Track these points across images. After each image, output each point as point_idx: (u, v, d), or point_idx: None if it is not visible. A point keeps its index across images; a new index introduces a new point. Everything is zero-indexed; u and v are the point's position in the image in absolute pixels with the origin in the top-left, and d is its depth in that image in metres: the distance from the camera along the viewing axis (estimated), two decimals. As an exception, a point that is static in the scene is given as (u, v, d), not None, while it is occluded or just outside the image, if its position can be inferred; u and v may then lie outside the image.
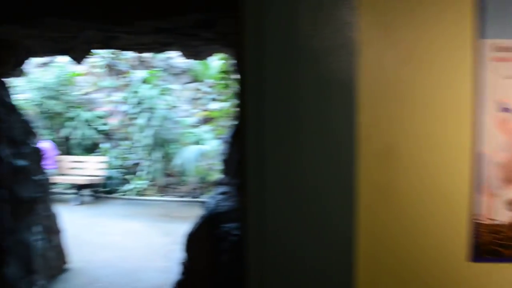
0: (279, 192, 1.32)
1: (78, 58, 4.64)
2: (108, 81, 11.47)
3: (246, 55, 1.38)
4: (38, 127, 12.14)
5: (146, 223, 7.51)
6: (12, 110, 4.33)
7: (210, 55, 4.70)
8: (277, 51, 1.32)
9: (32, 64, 13.00)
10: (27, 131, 4.54)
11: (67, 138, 11.38)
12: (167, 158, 9.63)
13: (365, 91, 1.34)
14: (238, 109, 3.64)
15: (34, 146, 4.65)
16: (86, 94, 12.32)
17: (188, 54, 4.52)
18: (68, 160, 9.88)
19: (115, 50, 9.95)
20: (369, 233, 1.31)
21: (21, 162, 4.19)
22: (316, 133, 1.29)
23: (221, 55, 5.80)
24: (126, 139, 10.91)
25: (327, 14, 1.31)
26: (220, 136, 10.11)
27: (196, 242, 3.17)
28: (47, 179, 4.91)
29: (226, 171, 3.78)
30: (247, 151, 1.35)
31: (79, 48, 4.33)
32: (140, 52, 4.50)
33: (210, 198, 3.62)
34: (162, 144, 9.33)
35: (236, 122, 3.66)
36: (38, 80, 11.06)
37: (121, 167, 10.16)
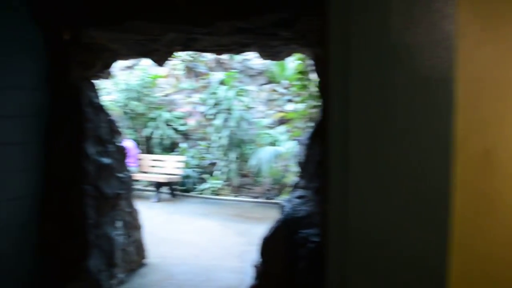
0: (364, 198, 1.22)
1: (160, 60, 4.78)
2: (187, 83, 11.83)
3: (331, 53, 1.28)
4: (121, 127, 12.84)
5: (221, 222, 7.60)
6: (99, 110, 4.54)
7: (288, 55, 4.62)
8: (365, 48, 1.22)
9: (117, 67, 13.78)
10: (113, 130, 4.75)
11: (148, 138, 11.90)
12: (243, 158, 9.71)
13: (461, 90, 1.22)
14: (318, 110, 3.50)
15: (119, 145, 4.85)
16: (166, 95, 12.81)
17: (266, 55, 4.48)
18: (148, 158, 10.31)
19: (195, 52, 10.26)
20: (464, 244, 1.17)
21: (106, 160, 4.39)
22: (407, 135, 1.18)
23: (299, 55, 5.71)
24: (203, 139, 11.18)
25: (423, 7, 1.20)
26: (296, 138, 10.04)
27: (272, 246, 3.10)
28: (130, 177, 5.10)
29: (303, 174, 3.67)
30: (330, 154, 1.25)
31: (161, 51, 4.45)
32: (219, 53, 4.53)
33: (287, 201, 3.53)
34: (238, 145, 9.43)
35: (314, 124, 3.55)
36: (122, 82, 11.66)
37: (198, 166, 10.42)
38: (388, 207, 1.24)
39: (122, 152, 4.85)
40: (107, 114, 4.73)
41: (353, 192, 1.26)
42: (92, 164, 4.15)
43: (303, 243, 2.66)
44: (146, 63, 12.51)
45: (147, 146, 12.07)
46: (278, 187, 9.92)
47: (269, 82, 11.80)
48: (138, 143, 12.00)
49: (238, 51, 4.54)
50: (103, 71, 4.71)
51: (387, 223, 1.25)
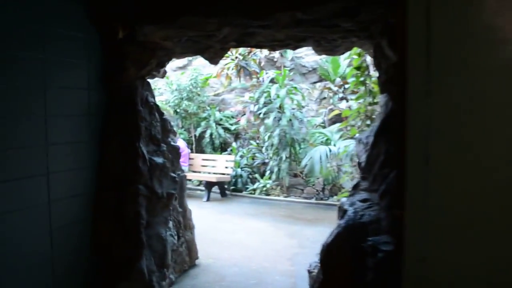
0: (448, 201, 1.06)
1: (214, 58, 4.69)
2: (238, 82, 11.78)
3: (409, 44, 1.12)
4: (174, 126, 13.03)
5: (272, 223, 7.45)
6: (153, 109, 4.51)
7: (346, 50, 4.39)
8: (449, 35, 1.05)
9: (170, 67, 14.00)
10: (166, 130, 4.71)
11: (199, 137, 11.97)
12: (294, 158, 9.53)
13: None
14: (382, 106, 3.22)
15: (172, 144, 4.81)
16: (217, 95, 12.84)
17: (322, 50, 4.27)
18: (199, 158, 10.35)
19: (246, 50, 10.17)
20: None
21: (159, 160, 4.34)
22: (497, 128, 1.02)
23: (355, 50, 5.45)
24: (254, 138, 11.08)
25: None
26: (353, 137, 9.72)
27: (334, 254, 2.88)
28: (183, 177, 5.06)
29: (365, 175, 3.43)
30: (409, 152, 1.08)
31: (215, 48, 4.35)
32: (273, 49, 4.38)
33: (348, 204, 3.30)
34: (290, 144, 9.25)
35: (379, 121, 3.30)
36: (174, 82, 11.78)
37: (248, 166, 10.34)
38: (476, 210, 1.07)
39: (175, 152, 4.81)
40: (161, 113, 4.70)
41: (435, 195, 1.09)
42: (146, 164, 4.11)
43: (371, 252, 2.43)
44: (198, 63, 12.63)
45: (198, 146, 12.14)
46: (330, 188, 9.66)
47: (321, 80, 11.55)
48: (189, 142, 12.10)
49: (294, 46, 4.35)
50: (158, 70, 4.67)
51: (475, 229, 1.07)
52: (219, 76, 11.22)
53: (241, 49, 9.88)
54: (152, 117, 4.42)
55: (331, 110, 10.74)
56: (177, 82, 11.70)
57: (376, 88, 5.25)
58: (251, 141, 10.97)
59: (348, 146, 8.62)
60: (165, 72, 4.99)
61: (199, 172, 10.28)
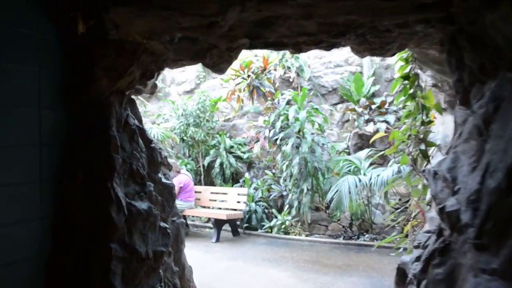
0: None
1: (218, 63, 3.50)
2: (251, 106, 10.63)
3: None
4: (179, 156, 11.88)
5: (293, 271, 6.11)
6: (137, 135, 3.32)
7: (399, 48, 3.17)
8: None
9: (177, 91, 12.96)
10: (155, 163, 3.50)
11: (208, 167, 10.76)
12: (317, 190, 8.22)
13: None
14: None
15: (164, 182, 3.59)
16: (228, 120, 11.69)
17: (367, 49, 3.06)
18: (208, 191, 9.08)
19: (260, 68, 9.01)
20: None
21: (144, 205, 3.11)
22: None
23: (401, 55, 4.24)
24: (270, 168, 9.83)
25: None
26: (378, 163, 8.43)
27: None
28: (180, 224, 3.82)
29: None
30: None
31: (219, 48, 3.17)
32: (299, 50, 3.15)
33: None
34: (312, 174, 7.96)
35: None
36: (181, 107, 10.67)
37: (264, 200, 9.05)
38: None
39: (168, 192, 3.58)
40: (148, 141, 3.50)
41: None
42: (122, 211, 2.88)
43: None
44: (207, 85, 11.54)
45: (207, 177, 10.91)
46: (359, 224, 8.30)
47: (343, 101, 10.36)
48: (197, 173, 10.89)
49: (328, 45, 3.13)
50: (143, 83, 3.49)
51: None
52: (229, 99, 10.07)
53: (254, 67, 8.76)
54: (133, 145, 3.22)
55: (357, 134, 9.51)
56: (183, 106, 10.58)
57: (430, 103, 4.01)
58: (266, 171, 9.71)
59: (380, 176, 7.35)
60: (155, 86, 3.82)
61: (208, 207, 9.02)
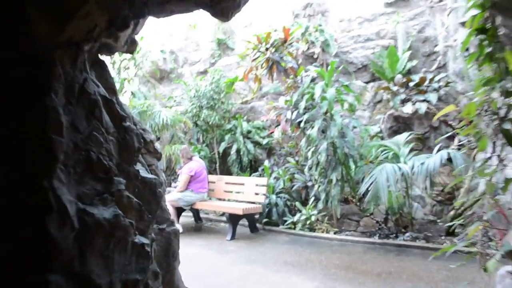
0: None
1: (223, 8, 2.42)
2: (271, 85, 9.52)
3: None
4: (192, 141, 10.89)
5: (323, 281, 5.05)
6: (101, 110, 2.28)
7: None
8: None
9: (190, 71, 11.93)
10: (131, 149, 2.45)
11: (224, 154, 9.75)
12: (348, 180, 7.10)
13: None
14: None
15: (145, 177, 2.54)
16: (246, 102, 10.62)
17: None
18: (222, 181, 8.05)
19: (281, 40, 7.84)
20: None
21: (107, 213, 2.08)
22: None
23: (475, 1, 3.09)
24: (293, 155, 8.73)
25: None
26: (420, 149, 7.24)
27: None
28: (170, 234, 2.80)
29: None
30: None
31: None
32: None
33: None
34: (341, 162, 6.84)
35: None
36: (193, 87, 9.63)
37: (286, 191, 7.97)
38: None
39: (149, 192, 2.53)
40: (120, 118, 2.45)
41: None
42: (69, 224, 1.86)
43: None
44: (221, 64, 10.45)
45: (222, 164, 9.90)
46: (396, 219, 7.17)
47: (375, 79, 9.17)
48: (212, 160, 9.88)
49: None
50: (114, 34, 2.43)
51: None
52: (246, 79, 8.97)
53: (273, 38, 7.61)
54: (94, 124, 2.17)
55: (392, 115, 8.33)
56: (195, 87, 9.54)
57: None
58: (289, 158, 8.62)
59: (424, 164, 6.20)
60: (133, 43, 2.75)
61: (223, 199, 8.02)
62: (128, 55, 10.95)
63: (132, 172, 2.42)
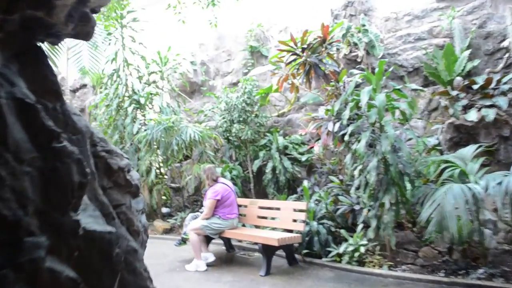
0: None
1: None
2: (310, 94, 8.50)
3: None
4: (225, 159, 9.98)
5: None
6: (16, 111, 1.35)
7: None
8: None
9: (222, 82, 11.08)
10: (67, 188, 1.50)
11: (258, 173, 8.76)
12: (404, 204, 5.91)
13: None
14: None
15: (92, 230, 1.58)
16: (282, 115, 9.63)
17: None
18: (255, 205, 7.03)
19: (318, 38, 6.79)
20: None
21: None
22: None
23: None
24: (336, 172, 7.62)
25: None
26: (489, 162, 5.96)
27: None
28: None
29: None
30: None
31: None
32: None
33: None
34: (395, 181, 5.67)
35: None
36: (223, 100, 8.75)
37: (329, 216, 6.86)
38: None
39: (101, 253, 1.56)
40: (51, 136, 1.50)
41: None
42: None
43: None
44: (254, 73, 9.53)
45: (257, 185, 8.91)
46: (463, 249, 5.89)
47: (429, 83, 7.97)
48: (247, 180, 8.91)
49: None
50: (43, 3, 1.52)
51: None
52: (281, 87, 7.97)
53: (310, 38, 6.59)
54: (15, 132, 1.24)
55: (452, 125, 7.10)
56: (225, 99, 8.65)
57: None
58: (331, 177, 7.51)
59: (503, 183, 4.96)
60: (85, 20, 1.81)
61: (256, 226, 7.00)
62: (155, 67, 10.26)
63: (67, 224, 1.46)
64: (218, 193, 6.51)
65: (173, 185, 10.18)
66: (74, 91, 15.07)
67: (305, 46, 6.29)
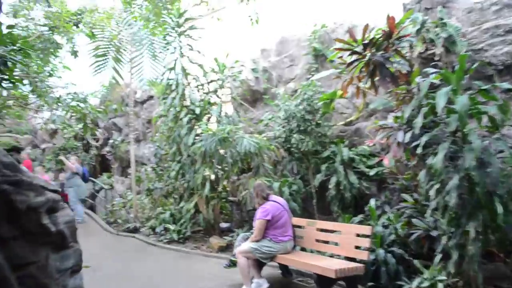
0: None
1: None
2: (380, 100, 7.48)
3: None
4: (286, 173, 9.19)
5: None
6: None
7: None
8: None
9: (286, 90, 10.34)
10: None
11: (320, 188, 7.87)
12: (494, 231, 4.75)
13: None
14: None
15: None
16: (350, 123, 8.67)
17: None
18: (313, 227, 6.15)
19: (382, 32, 5.77)
20: None
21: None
22: None
23: None
24: (410, 190, 6.55)
25: None
26: None
27: None
28: None
29: None
30: None
31: None
32: None
33: None
34: (482, 204, 4.55)
35: None
36: (282, 107, 8.02)
37: (400, 241, 5.81)
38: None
39: None
40: None
41: None
42: None
43: None
44: (317, 78, 8.67)
45: (321, 201, 8.02)
46: None
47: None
48: (309, 195, 8.07)
49: None
50: None
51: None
52: (345, 92, 7.05)
53: (373, 32, 5.65)
54: None
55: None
56: (284, 107, 7.92)
57: None
58: (404, 195, 6.45)
59: None
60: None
61: (313, 251, 6.13)
62: (214, 76, 9.80)
63: None
64: (269, 213, 5.76)
65: (232, 198, 9.61)
66: (142, 102, 15.18)
67: (366, 42, 5.35)
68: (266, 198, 5.92)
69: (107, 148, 16.21)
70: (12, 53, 5.37)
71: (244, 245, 5.89)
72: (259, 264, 6.03)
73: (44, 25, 10.91)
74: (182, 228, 9.41)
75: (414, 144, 5.24)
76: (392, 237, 5.79)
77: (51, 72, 11.60)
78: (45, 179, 13.42)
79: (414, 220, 5.85)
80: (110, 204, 13.03)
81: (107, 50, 11.04)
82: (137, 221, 11.22)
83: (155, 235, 10.01)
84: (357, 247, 5.36)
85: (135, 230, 10.85)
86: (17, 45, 5.62)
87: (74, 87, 11.95)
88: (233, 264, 6.21)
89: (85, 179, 13.28)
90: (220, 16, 8.18)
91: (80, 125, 12.70)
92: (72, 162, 13.03)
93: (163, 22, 9.24)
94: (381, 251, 5.49)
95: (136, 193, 11.93)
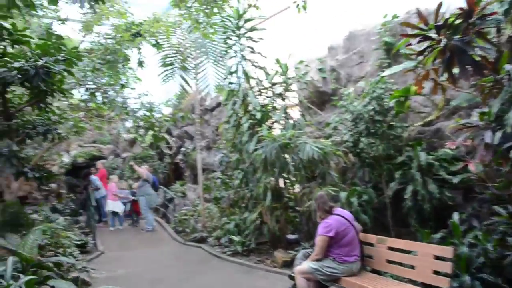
0: None
1: None
2: (464, 95, 6.47)
3: None
4: (356, 181, 8.31)
5: None
6: None
7: None
8: None
9: (356, 90, 9.47)
10: None
11: (395, 198, 6.95)
12: None
13: None
14: None
15: None
16: (429, 123, 7.64)
17: None
18: (384, 245, 5.29)
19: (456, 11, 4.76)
20: None
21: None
22: None
23: None
24: (503, 202, 5.45)
25: None
26: None
27: None
28: None
29: None
30: None
31: None
32: None
33: None
34: None
35: None
36: (349, 110, 7.24)
37: (491, 264, 4.78)
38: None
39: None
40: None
41: None
42: None
43: None
44: (388, 74, 7.77)
45: (396, 214, 7.09)
46: None
47: None
48: (383, 206, 7.18)
49: None
50: None
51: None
52: (419, 88, 6.09)
53: (448, 13, 4.70)
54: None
55: None
56: (350, 107, 7.13)
57: None
58: (496, 207, 5.37)
59: None
60: None
61: (383, 273, 5.28)
62: (277, 78, 9.22)
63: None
64: (332, 229, 5.02)
65: (299, 209, 8.92)
66: (211, 109, 15.04)
67: (440, 23, 4.42)
68: (329, 212, 5.19)
69: (179, 156, 16.31)
70: (55, 63, 5.25)
71: (304, 264, 5.21)
72: (321, 287, 5.31)
73: (111, 37, 11.06)
74: (246, 240, 8.91)
75: (506, 145, 4.26)
76: (481, 259, 4.77)
77: (125, 83, 11.78)
78: (113, 187, 13.77)
79: (509, 239, 4.79)
80: (179, 213, 12.95)
81: (175, 59, 10.97)
82: (204, 230, 10.94)
83: (220, 246, 9.63)
84: (436, 272, 4.45)
85: (202, 240, 10.57)
86: (61, 54, 5.49)
87: (146, 97, 12.05)
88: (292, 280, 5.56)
89: (155, 188, 13.37)
90: (306, 5, 7.48)
91: (150, 135, 12.78)
92: (143, 170, 13.18)
93: (220, 23, 8.86)
94: (467, 278, 4.52)
95: (205, 201, 11.69)
